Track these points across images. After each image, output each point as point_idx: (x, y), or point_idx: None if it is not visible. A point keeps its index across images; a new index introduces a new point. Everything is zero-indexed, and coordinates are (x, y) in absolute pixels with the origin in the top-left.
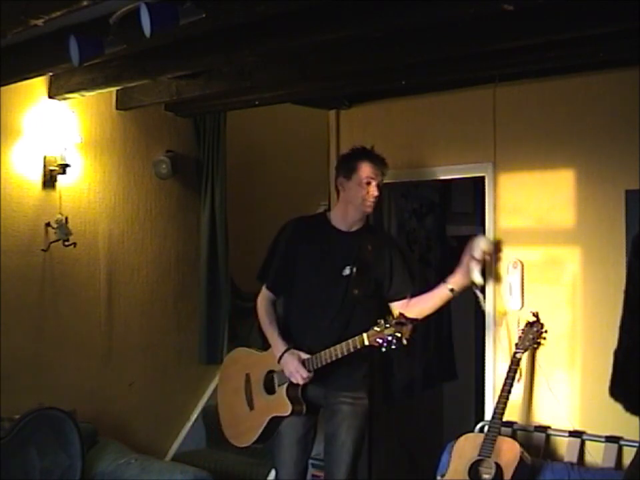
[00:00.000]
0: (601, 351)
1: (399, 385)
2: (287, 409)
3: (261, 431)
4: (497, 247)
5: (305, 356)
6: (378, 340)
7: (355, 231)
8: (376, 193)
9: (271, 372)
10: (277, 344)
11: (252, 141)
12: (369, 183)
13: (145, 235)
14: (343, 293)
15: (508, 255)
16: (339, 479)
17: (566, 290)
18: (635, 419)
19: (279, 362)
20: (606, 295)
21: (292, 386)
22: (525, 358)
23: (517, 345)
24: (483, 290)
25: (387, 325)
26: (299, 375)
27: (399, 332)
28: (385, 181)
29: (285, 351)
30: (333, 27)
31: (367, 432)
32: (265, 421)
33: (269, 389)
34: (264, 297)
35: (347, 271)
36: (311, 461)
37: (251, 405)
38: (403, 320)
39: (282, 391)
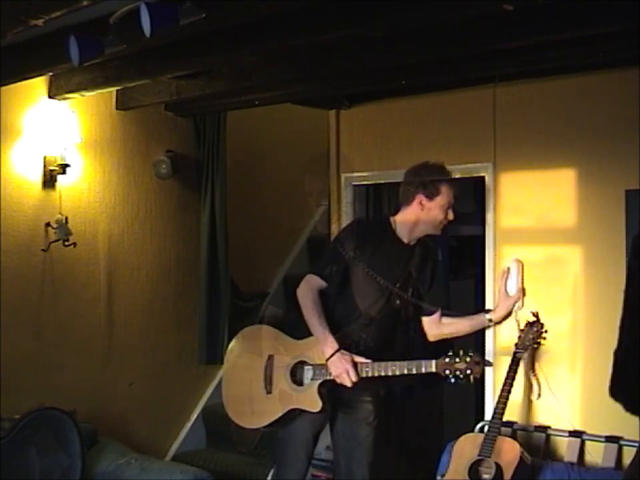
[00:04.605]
0: (601, 350)
1: (399, 384)
2: (316, 405)
3: (274, 419)
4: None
5: (358, 359)
6: (446, 371)
7: (414, 245)
8: (452, 217)
9: (301, 362)
10: (328, 341)
11: (252, 141)
12: (449, 207)
13: (145, 235)
14: (387, 303)
15: (508, 255)
16: (361, 478)
17: (566, 289)
18: (635, 418)
19: (327, 359)
20: (606, 295)
21: (324, 384)
22: (524, 358)
23: (516, 344)
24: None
25: (458, 359)
26: (348, 377)
27: (470, 369)
28: (385, 181)
29: (337, 350)
30: (333, 27)
31: (379, 429)
32: (283, 411)
33: (296, 379)
34: (310, 286)
35: (394, 281)
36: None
37: (268, 389)
38: (477, 359)
39: (313, 386)
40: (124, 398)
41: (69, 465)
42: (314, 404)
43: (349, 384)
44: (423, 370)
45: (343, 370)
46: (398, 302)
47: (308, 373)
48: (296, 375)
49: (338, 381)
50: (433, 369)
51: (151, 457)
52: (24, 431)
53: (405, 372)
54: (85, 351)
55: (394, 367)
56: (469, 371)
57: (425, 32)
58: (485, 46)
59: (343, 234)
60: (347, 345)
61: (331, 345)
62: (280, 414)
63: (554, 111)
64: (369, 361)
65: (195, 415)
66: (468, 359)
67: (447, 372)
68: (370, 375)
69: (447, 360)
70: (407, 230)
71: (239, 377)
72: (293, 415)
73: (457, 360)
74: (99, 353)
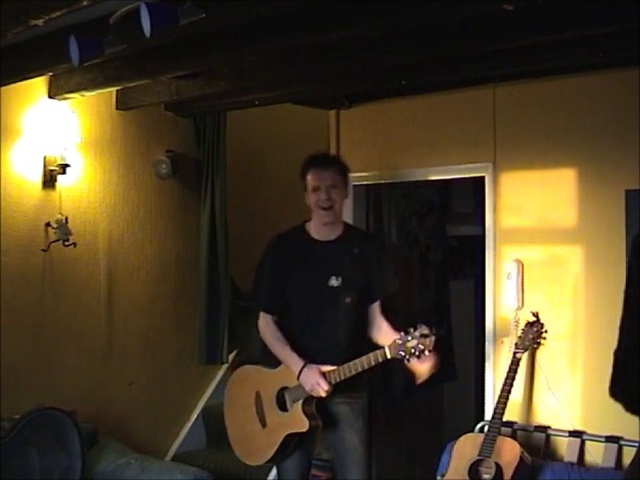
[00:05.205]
0: (601, 350)
1: (398, 385)
2: (304, 425)
3: (276, 448)
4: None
5: (325, 368)
6: (401, 353)
7: (335, 240)
8: (323, 197)
9: (283, 389)
10: (294, 361)
11: (252, 141)
12: (316, 190)
13: (145, 235)
14: (335, 305)
15: (508, 255)
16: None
17: (566, 289)
18: (635, 418)
19: (298, 378)
20: (606, 295)
21: (307, 402)
22: (524, 358)
23: (516, 344)
24: None
25: (409, 338)
26: (320, 388)
27: (422, 344)
28: (385, 182)
29: (304, 366)
30: (333, 27)
31: (369, 429)
32: (280, 439)
33: (282, 406)
34: (265, 320)
35: (333, 282)
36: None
37: (263, 423)
38: (426, 331)
39: (297, 407)
40: (124, 398)
41: (69, 465)
42: (302, 424)
43: (323, 394)
44: (380, 359)
45: (313, 383)
46: (348, 299)
47: (290, 396)
48: (281, 402)
49: (314, 394)
50: (388, 356)
51: (151, 457)
52: (24, 431)
53: (366, 367)
54: (85, 351)
55: (356, 365)
56: (421, 346)
57: (425, 32)
58: (485, 46)
59: (263, 258)
60: (311, 357)
61: (297, 363)
62: (279, 443)
63: (554, 111)
64: (334, 367)
65: (195, 415)
66: (417, 335)
67: (402, 353)
68: (338, 379)
69: (399, 342)
70: (315, 229)
71: (238, 420)
72: (291, 440)
73: (408, 339)
74: (99, 353)
